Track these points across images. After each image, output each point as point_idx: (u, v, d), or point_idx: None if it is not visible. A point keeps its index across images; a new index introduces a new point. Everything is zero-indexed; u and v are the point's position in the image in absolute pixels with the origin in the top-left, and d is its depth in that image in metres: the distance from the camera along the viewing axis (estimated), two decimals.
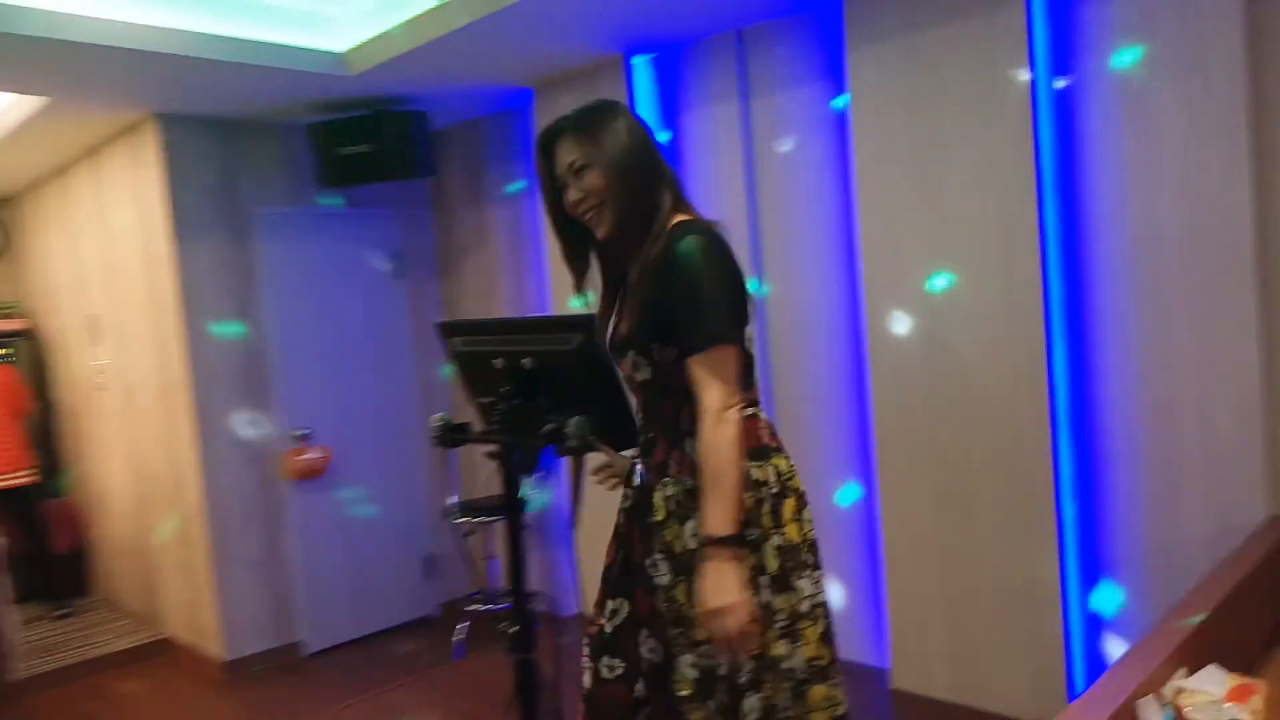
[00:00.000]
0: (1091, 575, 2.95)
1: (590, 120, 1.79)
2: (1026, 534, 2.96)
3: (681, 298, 1.67)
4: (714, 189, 3.77)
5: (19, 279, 5.80)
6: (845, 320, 3.48)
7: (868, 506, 3.47)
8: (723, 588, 1.62)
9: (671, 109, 3.91)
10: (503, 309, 4.66)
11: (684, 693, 1.74)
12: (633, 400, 1.87)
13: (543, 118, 4.19)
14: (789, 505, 1.74)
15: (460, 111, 4.56)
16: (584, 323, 2.22)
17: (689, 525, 1.74)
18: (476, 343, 2.41)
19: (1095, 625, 2.95)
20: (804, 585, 1.73)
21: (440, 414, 2.31)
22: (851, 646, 3.62)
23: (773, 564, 1.70)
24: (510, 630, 2.19)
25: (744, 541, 1.67)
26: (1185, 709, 1.57)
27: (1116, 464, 2.85)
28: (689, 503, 1.74)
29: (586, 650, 1.97)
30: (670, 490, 1.78)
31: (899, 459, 3.26)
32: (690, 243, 1.69)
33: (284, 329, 4.40)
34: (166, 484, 4.44)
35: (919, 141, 3.10)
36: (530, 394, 2.27)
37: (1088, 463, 2.93)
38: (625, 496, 1.93)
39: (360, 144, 4.23)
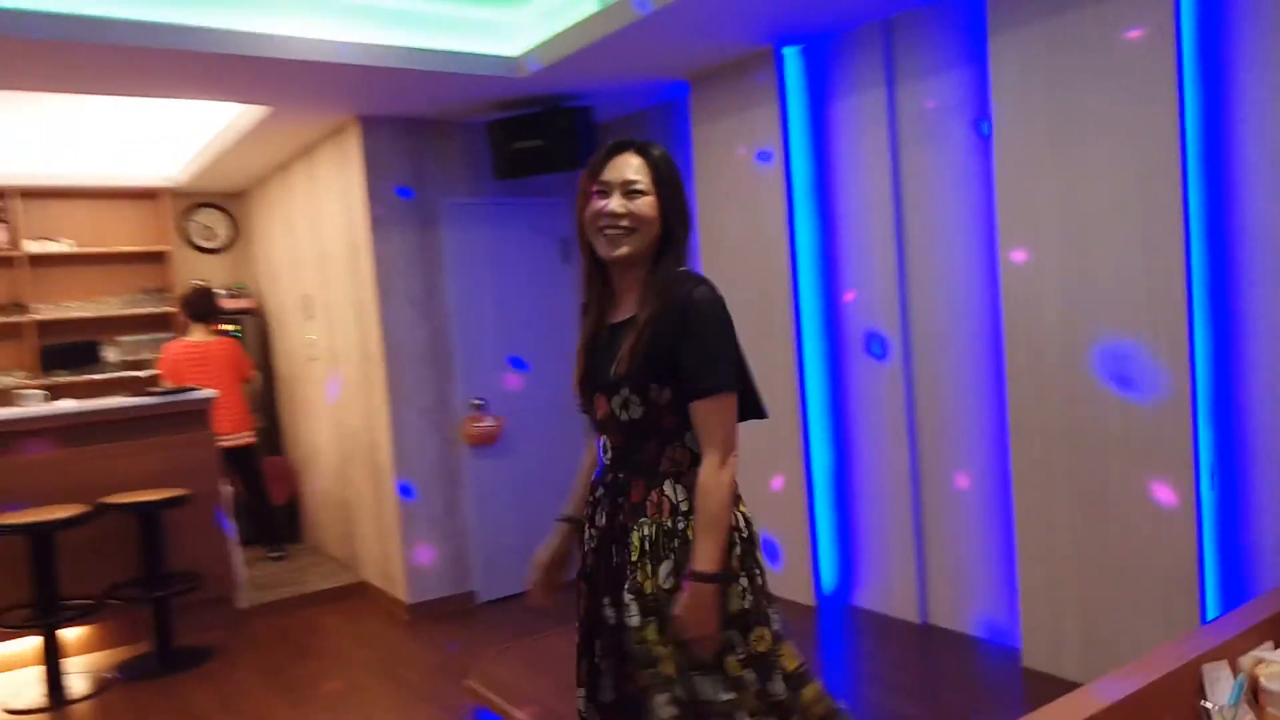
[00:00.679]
0: (1230, 561, 2.90)
1: (659, 153, 1.83)
2: (1164, 518, 2.94)
3: (697, 343, 1.72)
4: (859, 176, 3.88)
5: (246, 264, 6.63)
6: (987, 308, 3.52)
7: (1003, 485, 3.50)
8: (704, 619, 1.68)
9: (819, 97, 4.04)
10: None
11: None
12: (605, 439, 1.86)
13: (699, 109, 4.42)
14: (753, 551, 1.81)
15: (623, 105, 4.86)
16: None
17: (664, 566, 1.75)
18: None
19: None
20: (773, 616, 1.81)
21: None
22: (982, 624, 3.68)
23: (736, 604, 1.75)
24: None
25: (726, 580, 1.73)
26: (1262, 679, 1.62)
27: (1258, 456, 2.79)
28: (665, 543, 1.75)
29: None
30: (647, 530, 1.77)
31: (1034, 443, 3.28)
32: (708, 292, 1.76)
33: (463, 308, 4.86)
34: (364, 444, 5.03)
35: (1060, 126, 3.11)
36: None
37: (1229, 452, 2.87)
38: (590, 537, 1.89)
39: (532, 139, 4.61)
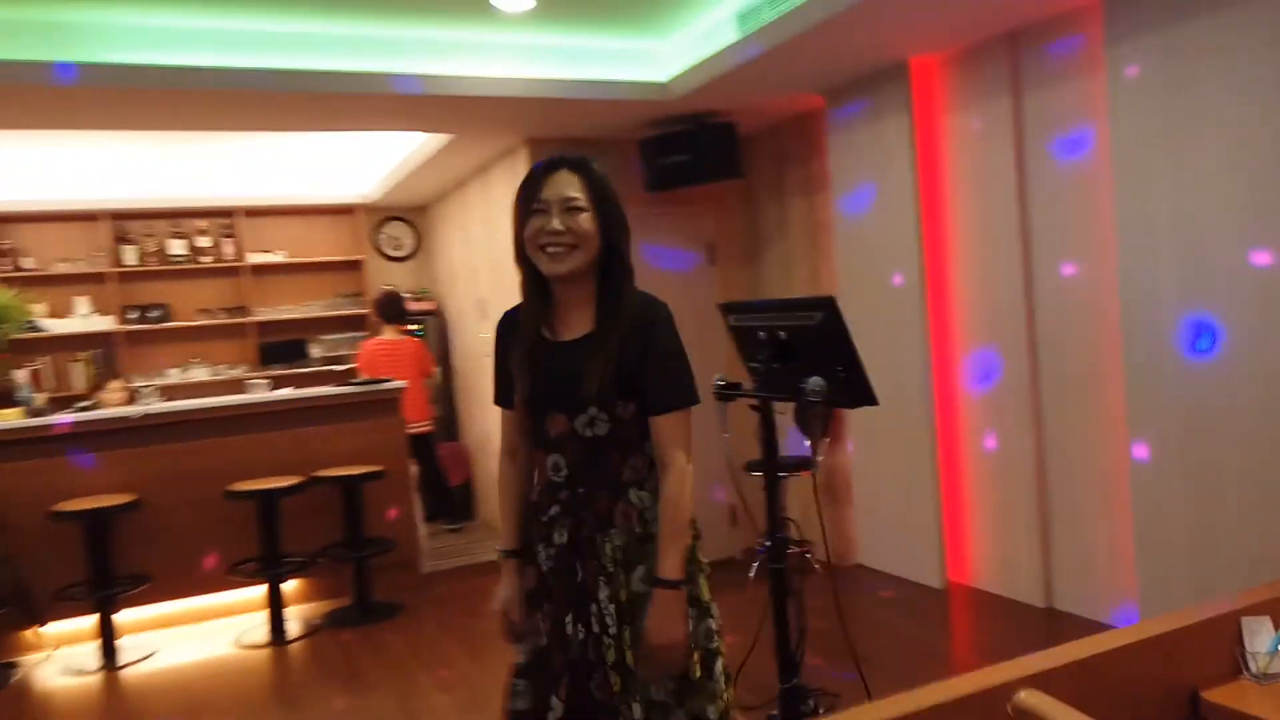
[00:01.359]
0: None
1: (594, 170, 1.83)
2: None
3: (661, 360, 1.78)
4: (985, 182, 4.09)
5: (428, 270, 7.40)
6: (1109, 302, 3.67)
7: (1127, 475, 3.64)
8: (673, 626, 1.74)
9: (944, 107, 4.27)
10: (801, 290, 5.26)
11: None
12: (557, 457, 1.84)
13: (835, 120, 4.73)
14: (698, 548, 1.89)
15: (763, 119, 5.22)
16: (825, 303, 2.80)
17: (637, 572, 1.79)
18: (746, 319, 3.09)
19: None
20: (715, 612, 1.90)
21: (719, 375, 3.02)
22: (1105, 609, 3.82)
23: (706, 593, 1.86)
24: (769, 564, 2.85)
25: (687, 584, 1.79)
26: None
27: None
28: (636, 550, 1.80)
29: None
30: (618, 541, 1.80)
31: (1151, 434, 3.42)
32: (667, 311, 1.83)
33: None
34: None
35: (1175, 128, 3.25)
36: (785, 359, 2.90)
37: None
38: (547, 557, 1.88)
39: (680, 154, 5.05)
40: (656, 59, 4.50)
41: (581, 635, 1.81)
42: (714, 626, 1.88)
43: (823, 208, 5.07)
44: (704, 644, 1.84)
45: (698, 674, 1.81)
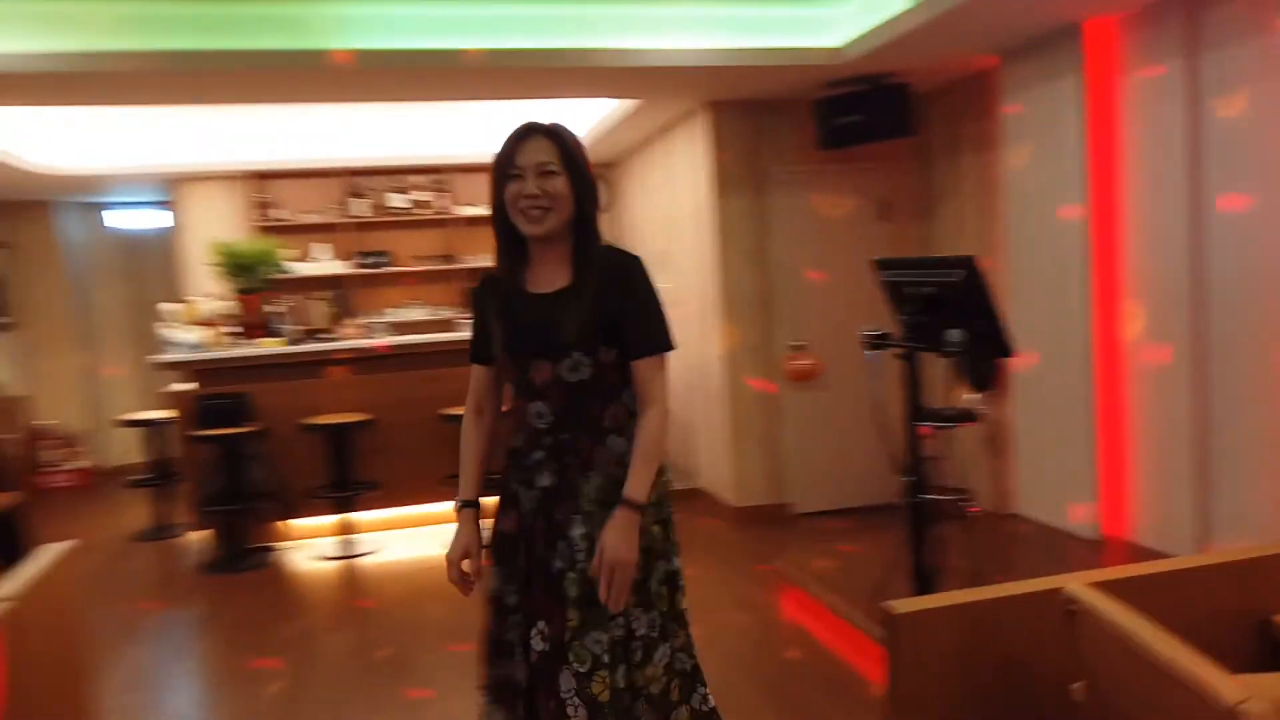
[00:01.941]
0: None
1: (566, 135, 1.95)
2: None
3: (640, 307, 1.91)
4: (1157, 141, 4.11)
5: (615, 224, 7.95)
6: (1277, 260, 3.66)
7: None
8: (628, 544, 1.82)
9: (1117, 67, 4.29)
10: (971, 246, 5.38)
11: (585, 669, 1.84)
12: (540, 404, 1.93)
13: (1008, 80, 4.82)
14: (670, 490, 2.04)
15: (937, 78, 5.34)
16: (966, 261, 3.07)
17: (616, 511, 1.87)
18: (896, 275, 3.39)
19: None
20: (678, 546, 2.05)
21: (871, 326, 3.35)
22: None
23: (669, 535, 2.01)
24: (906, 499, 3.18)
25: (647, 511, 1.89)
26: None
27: None
28: (614, 492, 1.88)
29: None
30: (596, 481, 1.90)
31: None
32: (641, 262, 1.97)
33: (788, 260, 5.68)
34: (701, 375, 6.07)
35: None
36: (930, 313, 3.20)
37: None
38: (529, 499, 1.97)
39: (853, 114, 5.26)
40: (830, 25, 4.74)
41: (559, 565, 1.89)
42: (677, 566, 2.03)
43: (994, 165, 5.16)
44: (666, 583, 1.98)
45: (665, 608, 1.96)
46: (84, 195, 8.04)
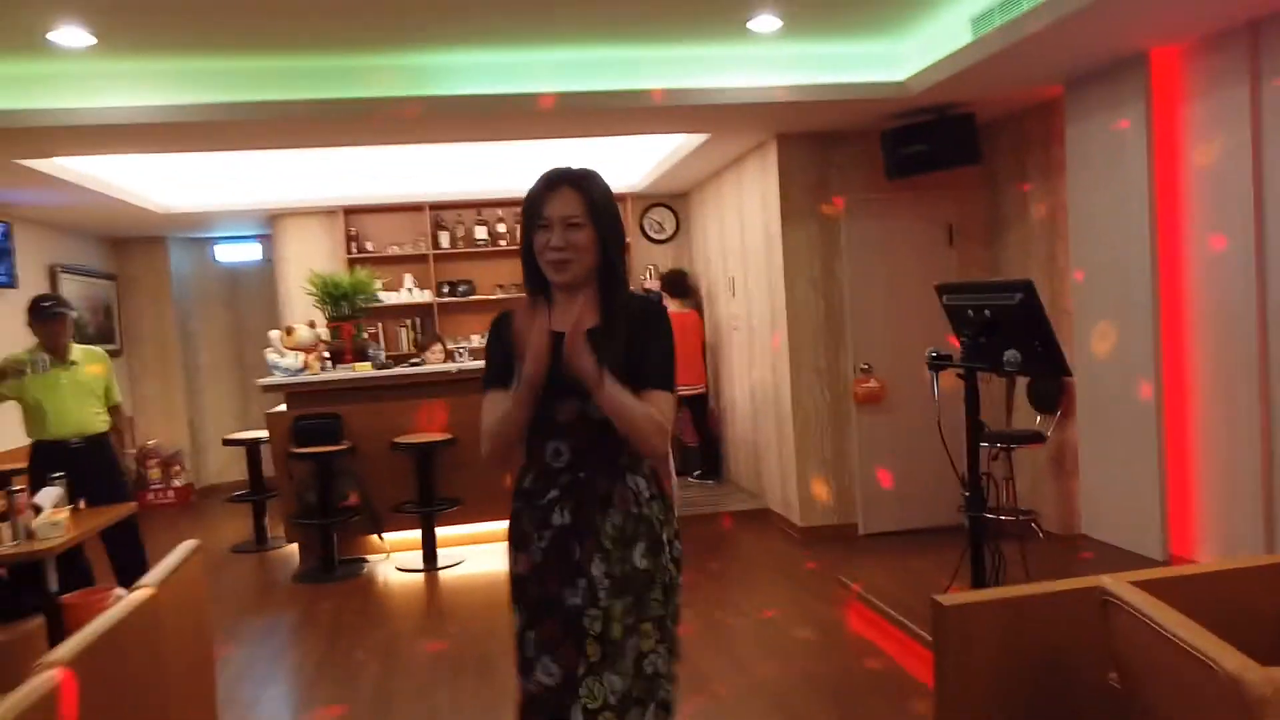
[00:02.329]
0: None
1: (593, 186, 1.99)
2: None
3: (660, 349, 1.98)
4: (1221, 168, 4.18)
5: (685, 251, 8.19)
6: None
7: None
8: (588, 358, 1.83)
9: (1182, 95, 4.37)
10: (1038, 271, 5.46)
11: (594, 706, 1.87)
12: (558, 443, 1.97)
13: (1073, 109, 4.92)
14: (678, 532, 2.09)
15: (1003, 107, 5.46)
16: (1024, 285, 3.20)
17: (636, 549, 1.94)
18: (957, 298, 3.53)
19: None
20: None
21: (931, 348, 3.50)
22: None
23: (679, 571, 2.05)
24: (966, 513, 3.30)
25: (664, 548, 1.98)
26: None
27: None
28: (634, 528, 1.95)
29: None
30: (616, 519, 1.94)
31: None
32: (664, 308, 2.10)
33: (855, 285, 5.83)
34: (770, 397, 6.23)
35: None
36: (989, 334, 3.33)
37: None
38: (540, 538, 1.99)
39: (919, 144, 5.42)
40: (894, 60, 4.92)
41: (578, 602, 1.92)
42: (680, 600, 2.06)
43: (1061, 191, 5.24)
44: (675, 620, 2.01)
45: (675, 634, 2.01)
46: (192, 231, 8.62)
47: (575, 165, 2.04)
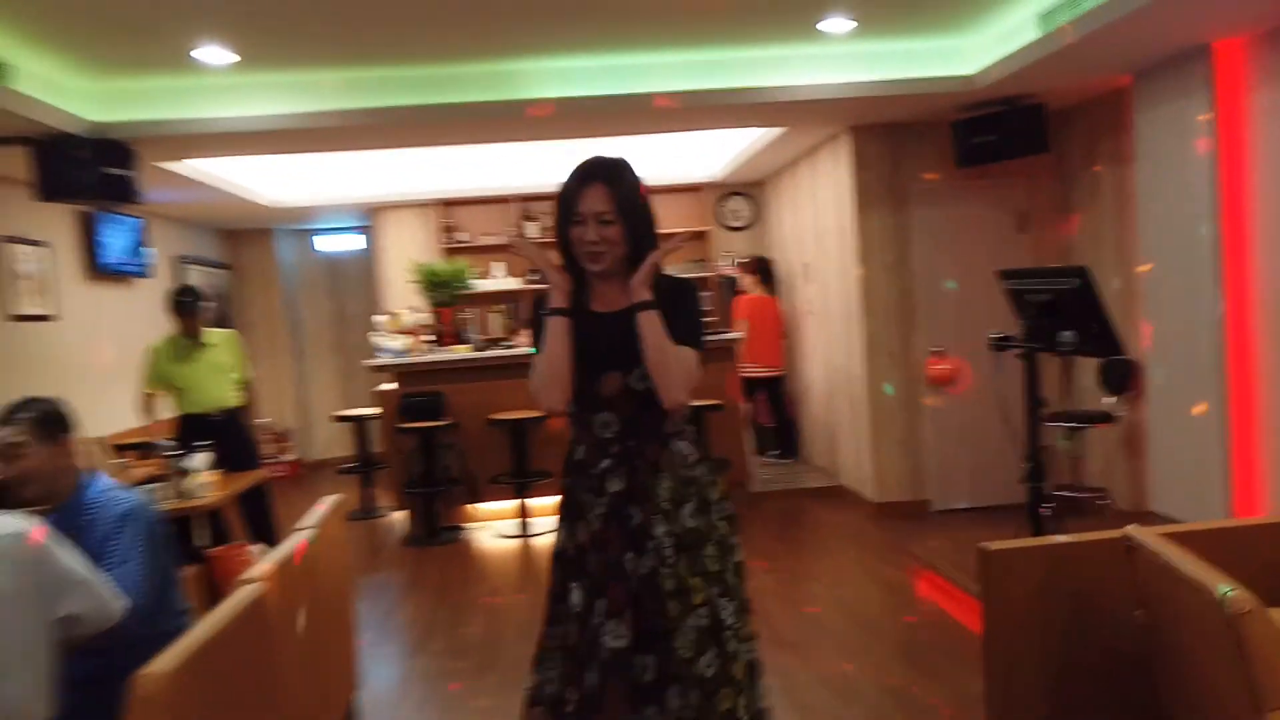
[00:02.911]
0: None
1: (624, 180, 2.12)
2: None
3: (690, 316, 2.10)
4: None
5: (762, 239, 8.47)
6: None
7: None
8: (646, 280, 2.03)
9: (1246, 85, 4.49)
10: (1108, 257, 5.61)
11: (689, 654, 2.00)
12: (607, 414, 2.08)
13: (1142, 99, 5.06)
14: (728, 493, 2.21)
15: (1072, 97, 5.60)
16: (1081, 271, 3.44)
17: (687, 508, 2.07)
18: (1018, 283, 3.78)
19: None
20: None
21: (994, 330, 3.76)
22: None
23: (734, 529, 2.17)
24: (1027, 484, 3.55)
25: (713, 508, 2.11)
26: None
27: None
28: (684, 491, 2.07)
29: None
30: (668, 482, 2.07)
31: None
32: (696, 286, 2.21)
33: (927, 270, 6.05)
34: (844, 379, 6.50)
35: None
36: (1048, 317, 3.57)
37: None
38: (599, 504, 2.07)
39: (989, 134, 5.59)
40: (962, 55, 5.13)
41: (644, 569, 2.03)
42: (742, 558, 2.18)
43: (1129, 179, 5.38)
44: (738, 574, 2.14)
45: (739, 597, 2.12)
46: (297, 223, 9.25)
47: (608, 155, 2.17)
